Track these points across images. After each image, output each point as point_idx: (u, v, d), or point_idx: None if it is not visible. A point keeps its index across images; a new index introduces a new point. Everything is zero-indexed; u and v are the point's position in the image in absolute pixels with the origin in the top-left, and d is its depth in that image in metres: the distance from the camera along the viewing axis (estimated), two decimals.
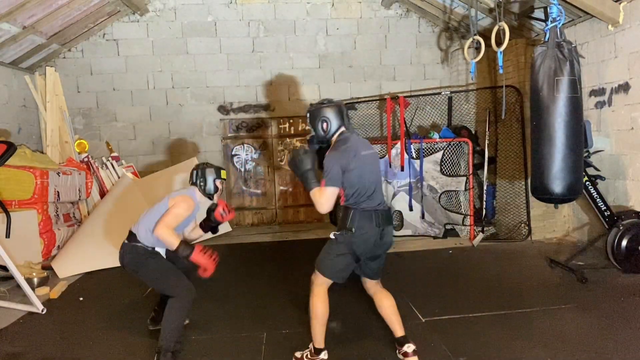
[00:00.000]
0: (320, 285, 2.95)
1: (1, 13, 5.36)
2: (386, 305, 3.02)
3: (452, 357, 3.03)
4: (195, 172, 3.44)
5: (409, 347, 2.93)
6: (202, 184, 3.39)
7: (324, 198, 2.75)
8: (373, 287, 3.11)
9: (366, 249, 2.87)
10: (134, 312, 4.06)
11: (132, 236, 3.27)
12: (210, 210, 3.48)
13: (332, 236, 2.94)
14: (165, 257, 3.32)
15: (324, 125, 2.92)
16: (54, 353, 3.31)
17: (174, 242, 3.04)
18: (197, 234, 3.62)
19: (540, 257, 5.24)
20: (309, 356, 2.99)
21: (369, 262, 2.99)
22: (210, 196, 3.43)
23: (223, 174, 3.48)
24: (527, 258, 5.29)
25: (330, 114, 2.93)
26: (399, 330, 3.00)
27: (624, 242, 4.44)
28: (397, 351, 3.03)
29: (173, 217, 3.12)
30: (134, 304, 4.27)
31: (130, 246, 3.24)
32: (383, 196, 3.03)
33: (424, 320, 3.64)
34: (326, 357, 2.98)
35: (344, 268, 2.91)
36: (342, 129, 2.96)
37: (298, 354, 3.07)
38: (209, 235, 6.95)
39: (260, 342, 3.37)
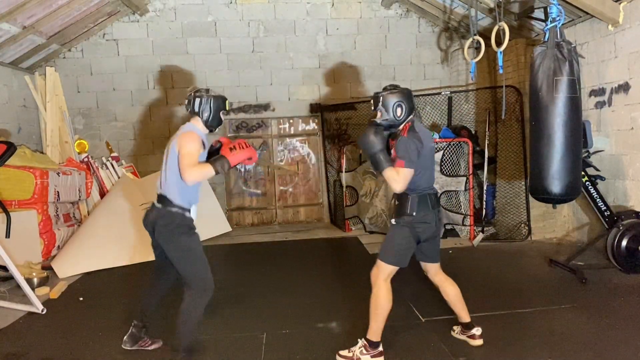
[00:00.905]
0: (386, 280, 2.99)
1: (1, 13, 5.36)
2: (452, 293, 3.20)
3: (452, 357, 3.04)
4: (198, 99, 2.98)
5: (478, 330, 3.18)
6: (205, 113, 2.98)
7: (401, 177, 2.84)
8: (437, 274, 3.22)
9: (429, 231, 2.99)
10: (134, 312, 4.05)
11: (163, 200, 2.91)
12: (217, 150, 3.04)
13: (393, 222, 3.03)
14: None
15: (399, 110, 2.96)
16: (54, 353, 3.31)
17: (208, 171, 2.81)
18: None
19: (540, 257, 5.24)
20: (364, 352, 2.97)
21: (424, 245, 3.07)
22: (212, 128, 3.06)
23: (227, 104, 3.12)
24: (527, 258, 5.29)
25: (405, 99, 2.98)
26: (465, 316, 3.21)
27: (624, 242, 4.44)
28: (460, 333, 3.26)
29: (188, 157, 2.79)
30: (134, 304, 4.25)
31: (165, 211, 2.89)
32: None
33: (424, 320, 3.64)
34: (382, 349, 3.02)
35: (409, 253, 3.01)
36: (412, 116, 3.02)
37: (345, 352, 3.03)
38: (210, 235, 6.97)
39: (260, 342, 3.36)
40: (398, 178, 2.84)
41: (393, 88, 3.04)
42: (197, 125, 3.01)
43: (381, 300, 2.95)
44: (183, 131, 2.93)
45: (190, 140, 2.84)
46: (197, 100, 2.98)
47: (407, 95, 3.00)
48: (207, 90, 3.05)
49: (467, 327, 3.22)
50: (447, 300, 3.23)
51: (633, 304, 3.80)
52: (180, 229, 2.91)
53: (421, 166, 2.92)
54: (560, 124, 3.72)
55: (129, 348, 3.24)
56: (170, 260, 2.99)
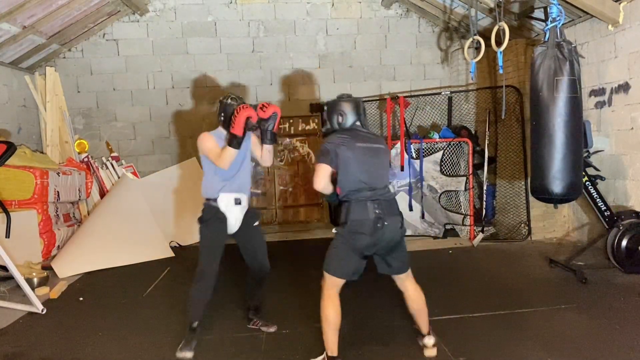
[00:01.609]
0: (330, 289, 2.83)
1: (1, 13, 5.36)
2: (414, 303, 3.03)
3: (452, 357, 3.03)
4: (218, 104, 3.39)
5: (430, 340, 3.08)
6: (221, 117, 3.35)
7: (316, 173, 2.83)
8: (402, 282, 3.03)
9: (364, 242, 2.77)
10: (134, 312, 4.06)
11: None
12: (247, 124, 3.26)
13: (333, 231, 2.96)
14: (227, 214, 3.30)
15: (340, 118, 2.98)
16: (54, 353, 3.31)
17: (228, 151, 3.11)
18: (265, 152, 3.40)
19: (540, 257, 5.24)
20: None
21: (385, 257, 2.90)
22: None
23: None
24: (527, 258, 5.29)
25: (346, 108, 2.98)
26: (423, 328, 3.10)
27: (624, 242, 4.44)
28: (419, 339, 3.16)
29: (211, 153, 3.21)
30: (134, 304, 4.27)
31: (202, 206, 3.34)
32: (387, 187, 2.93)
33: None
34: None
35: (348, 264, 2.81)
36: (357, 124, 3.00)
37: None
38: None
39: (260, 342, 3.37)
40: (315, 176, 2.84)
41: (340, 97, 3.06)
42: (218, 129, 3.38)
43: (325, 312, 2.79)
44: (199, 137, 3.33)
45: (203, 141, 3.26)
46: (218, 105, 3.38)
47: (352, 105, 3.00)
48: (227, 97, 3.36)
49: (423, 336, 3.11)
50: (410, 310, 3.07)
51: (633, 304, 3.80)
52: (201, 220, 3.31)
53: (350, 172, 2.80)
54: (561, 124, 3.72)
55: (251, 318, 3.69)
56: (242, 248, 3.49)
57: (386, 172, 3.00)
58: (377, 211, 2.77)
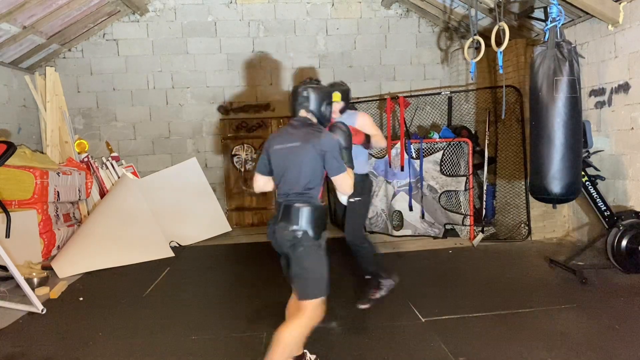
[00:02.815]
0: None
1: (1, 13, 5.36)
2: (284, 335, 2.55)
3: (452, 357, 3.03)
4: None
5: None
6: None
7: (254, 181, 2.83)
8: (292, 308, 2.76)
9: (274, 243, 2.76)
10: (134, 312, 4.06)
11: None
12: None
13: None
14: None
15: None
16: (54, 353, 3.31)
17: None
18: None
19: (540, 257, 5.24)
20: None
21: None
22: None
23: (334, 96, 3.37)
24: (527, 258, 5.29)
25: (293, 99, 2.72)
26: None
27: (624, 242, 4.44)
28: None
29: None
30: (134, 304, 4.27)
31: None
32: (301, 192, 2.59)
33: (423, 320, 3.64)
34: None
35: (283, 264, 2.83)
36: (299, 115, 2.69)
37: None
38: (210, 235, 7.00)
39: (260, 342, 3.36)
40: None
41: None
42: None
43: None
44: None
45: None
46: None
47: (295, 94, 2.69)
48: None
49: None
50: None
51: (633, 304, 3.80)
52: None
53: (274, 173, 2.69)
54: (560, 124, 3.72)
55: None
56: None
57: (303, 174, 2.56)
58: (281, 215, 2.62)
